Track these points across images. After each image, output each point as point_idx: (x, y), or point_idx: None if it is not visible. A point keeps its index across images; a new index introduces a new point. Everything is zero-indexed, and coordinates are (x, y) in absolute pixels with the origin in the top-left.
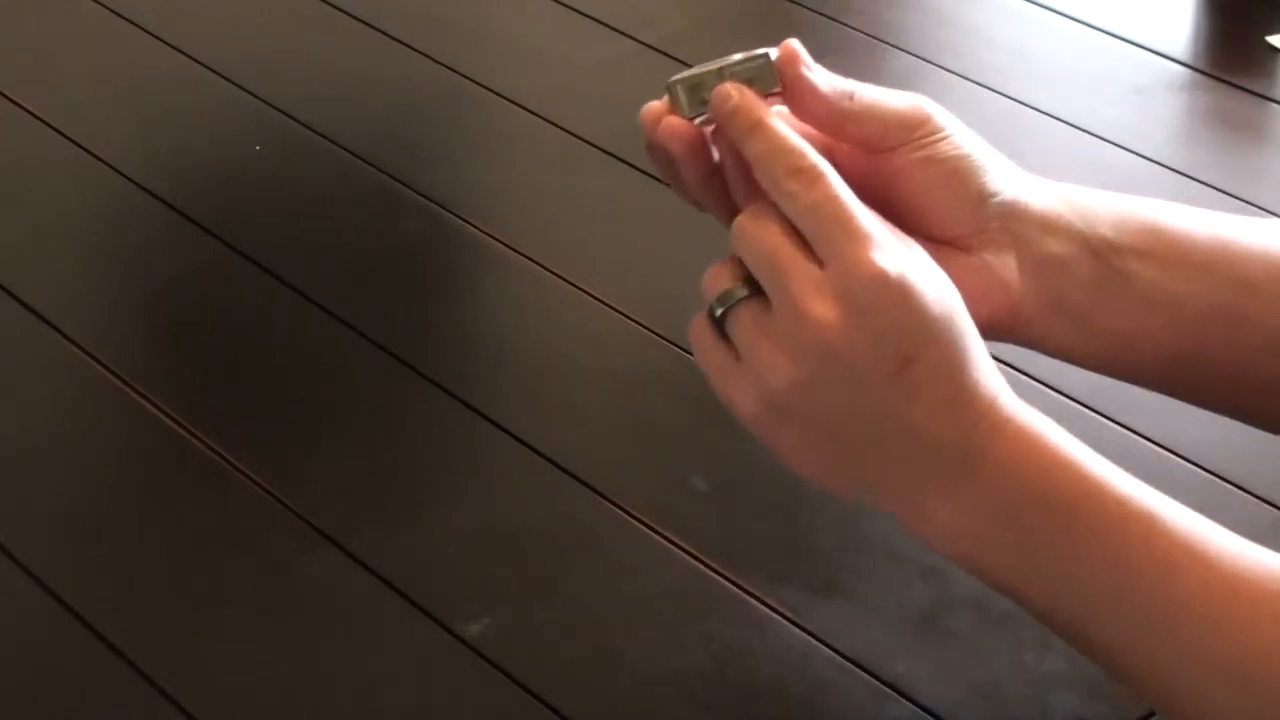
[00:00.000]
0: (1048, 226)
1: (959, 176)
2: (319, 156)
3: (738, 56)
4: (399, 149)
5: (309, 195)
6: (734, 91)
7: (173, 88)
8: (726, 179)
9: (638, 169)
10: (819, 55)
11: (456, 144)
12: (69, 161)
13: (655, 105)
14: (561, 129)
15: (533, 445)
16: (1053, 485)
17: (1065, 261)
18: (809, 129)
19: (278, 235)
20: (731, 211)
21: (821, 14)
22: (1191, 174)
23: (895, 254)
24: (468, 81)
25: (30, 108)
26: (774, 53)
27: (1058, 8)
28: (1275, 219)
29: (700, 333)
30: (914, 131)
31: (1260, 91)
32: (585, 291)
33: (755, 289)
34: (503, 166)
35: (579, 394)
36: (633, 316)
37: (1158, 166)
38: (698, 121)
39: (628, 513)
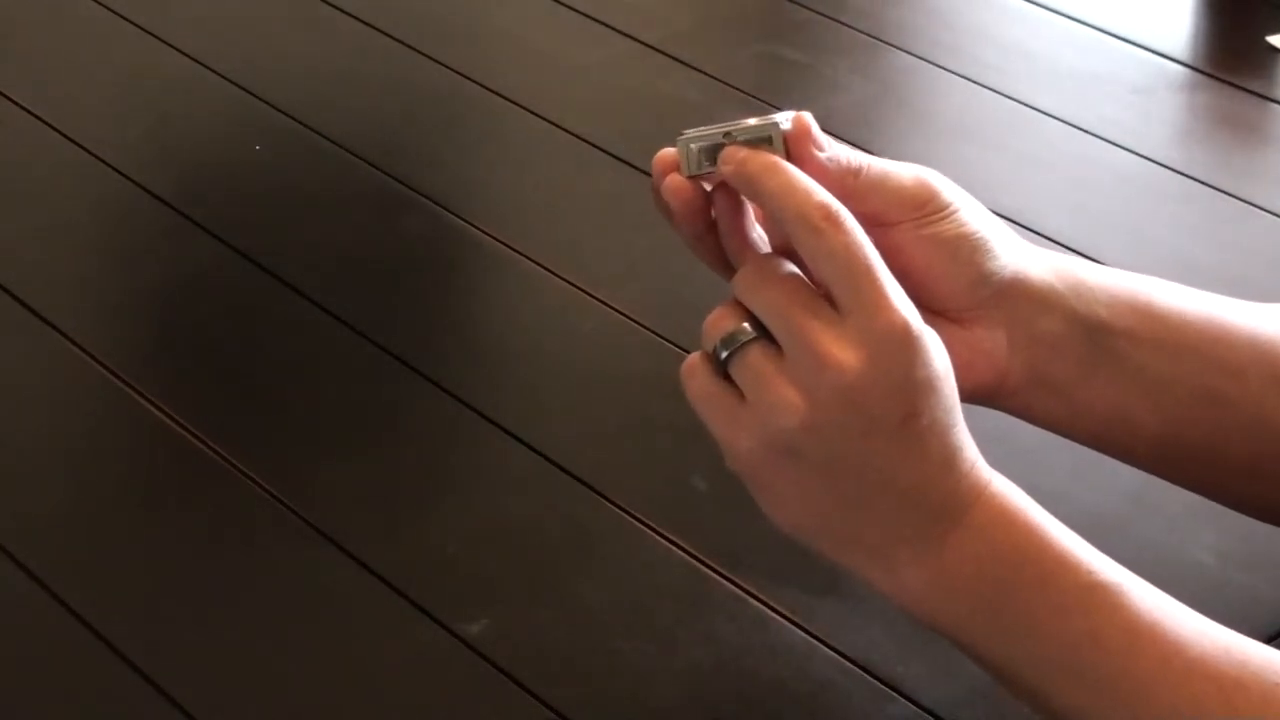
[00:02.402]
0: (1043, 304)
1: (961, 256)
2: (319, 156)
3: (752, 121)
4: (399, 149)
5: (309, 195)
6: (743, 149)
7: (173, 88)
8: (721, 239)
9: (638, 169)
10: (819, 55)
11: (457, 144)
12: (69, 161)
13: (668, 153)
14: (561, 129)
15: (533, 445)
16: (1027, 551)
17: (1056, 340)
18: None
19: (278, 235)
20: (725, 265)
21: (821, 14)
22: (1191, 174)
23: (913, 307)
24: (468, 82)
25: (30, 108)
26: (785, 121)
27: (1058, 8)
28: (1273, 305)
29: (696, 372)
30: (920, 209)
31: (1260, 91)
32: (585, 291)
33: (762, 330)
34: (503, 166)
35: (579, 394)
36: (633, 316)
37: (1158, 166)
38: (697, 176)
39: (628, 513)
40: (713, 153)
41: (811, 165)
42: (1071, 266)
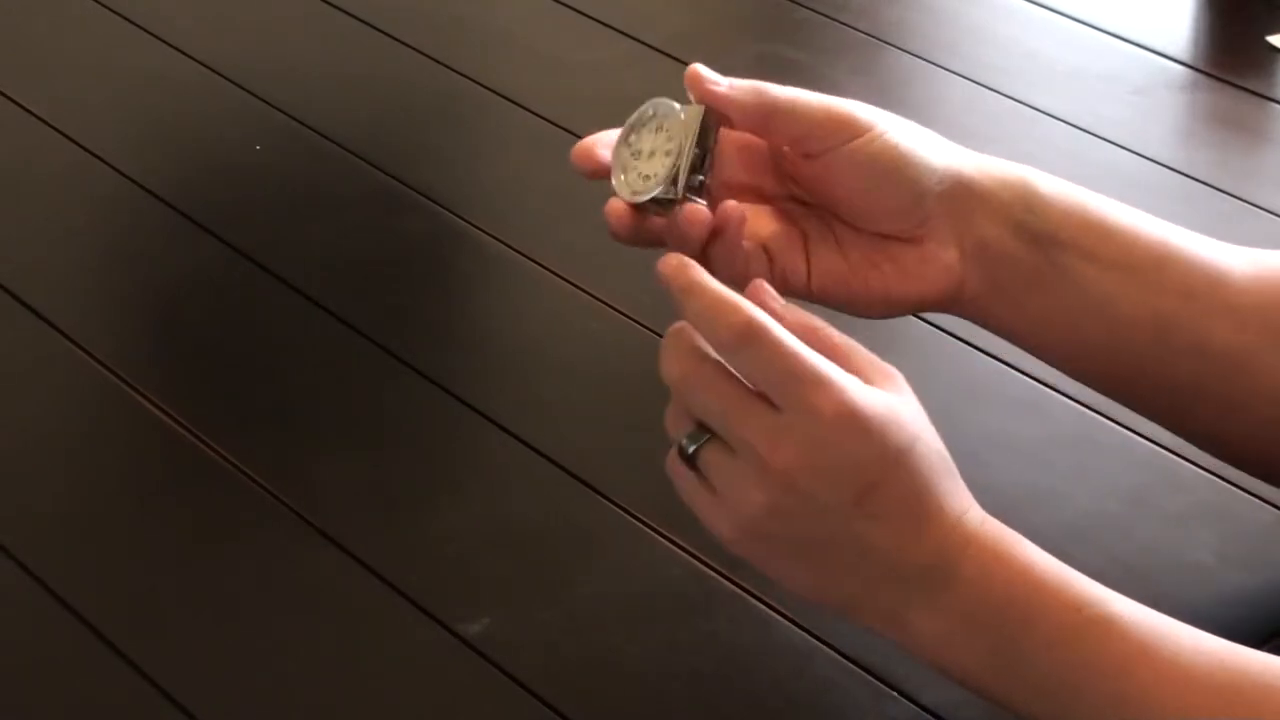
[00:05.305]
0: (983, 209)
1: (894, 177)
2: (319, 156)
3: (679, 115)
4: (399, 149)
5: (309, 195)
6: (673, 259)
7: (173, 88)
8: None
9: None
10: (819, 55)
11: (456, 144)
12: (69, 161)
13: (619, 207)
14: (562, 129)
15: (533, 445)
16: (1017, 593)
17: (1000, 245)
18: (752, 139)
19: (278, 235)
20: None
21: (821, 14)
22: (1191, 174)
23: (847, 392)
24: (468, 81)
25: (30, 108)
26: (666, 103)
27: (1058, 7)
28: (1232, 246)
29: (676, 467)
30: (840, 132)
31: (1260, 91)
32: (585, 291)
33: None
34: (503, 166)
35: (579, 393)
36: (633, 316)
37: (1158, 166)
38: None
39: (628, 512)
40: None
41: (716, 97)
42: (1023, 176)
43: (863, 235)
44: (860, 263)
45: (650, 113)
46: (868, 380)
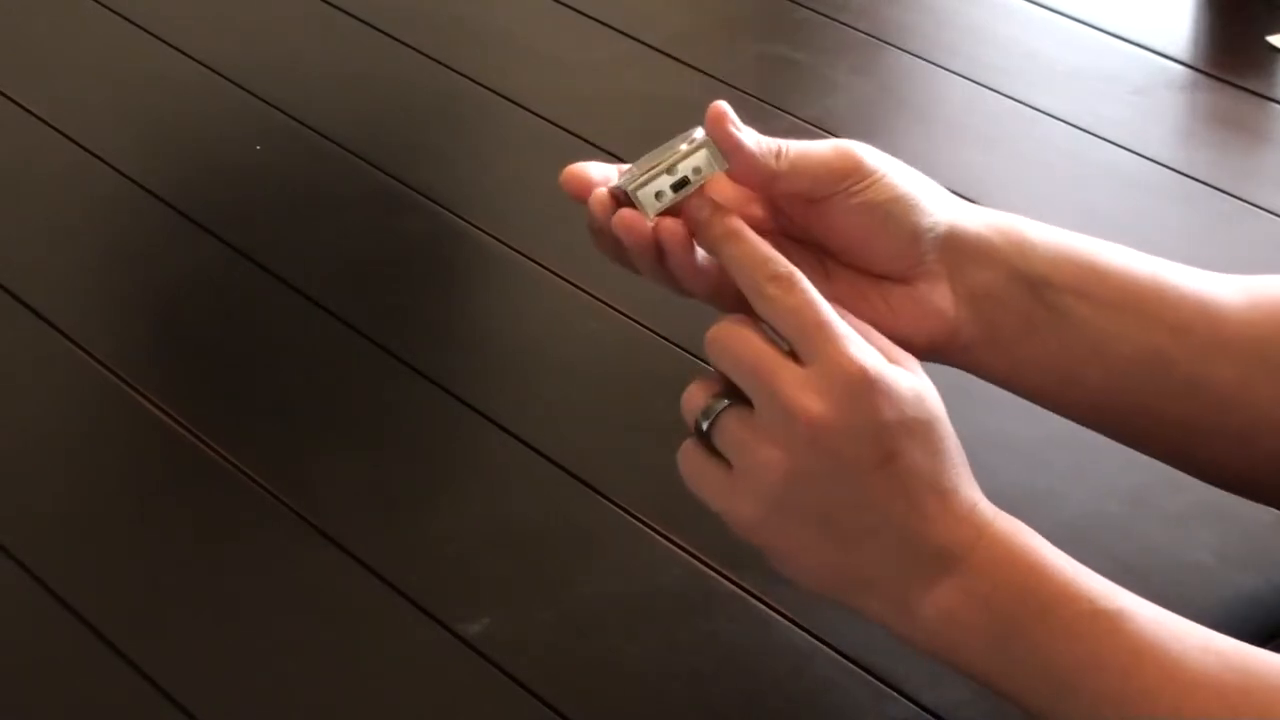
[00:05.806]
0: (978, 256)
1: (893, 220)
2: (319, 156)
3: (683, 147)
4: (399, 149)
5: (309, 195)
6: (706, 204)
7: (173, 87)
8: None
9: None
10: (819, 55)
11: (456, 144)
12: (69, 161)
13: (602, 194)
14: (561, 129)
15: (533, 445)
16: (1028, 586)
17: (995, 291)
18: (748, 192)
19: (278, 235)
20: (679, 287)
21: (821, 14)
22: (1191, 174)
23: (874, 355)
24: (468, 81)
25: (30, 108)
26: (700, 131)
27: (1058, 7)
28: (1223, 275)
29: (689, 456)
30: (844, 180)
31: (1260, 91)
32: (585, 291)
33: (735, 398)
34: (503, 166)
35: (579, 393)
36: (633, 316)
37: (1158, 166)
38: (654, 217)
39: (628, 512)
40: (658, 191)
41: (732, 143)
42: (1014, 224)
43: (856, 273)
44: (850, 296)
45: (685, 134)
46: (890, 358)
